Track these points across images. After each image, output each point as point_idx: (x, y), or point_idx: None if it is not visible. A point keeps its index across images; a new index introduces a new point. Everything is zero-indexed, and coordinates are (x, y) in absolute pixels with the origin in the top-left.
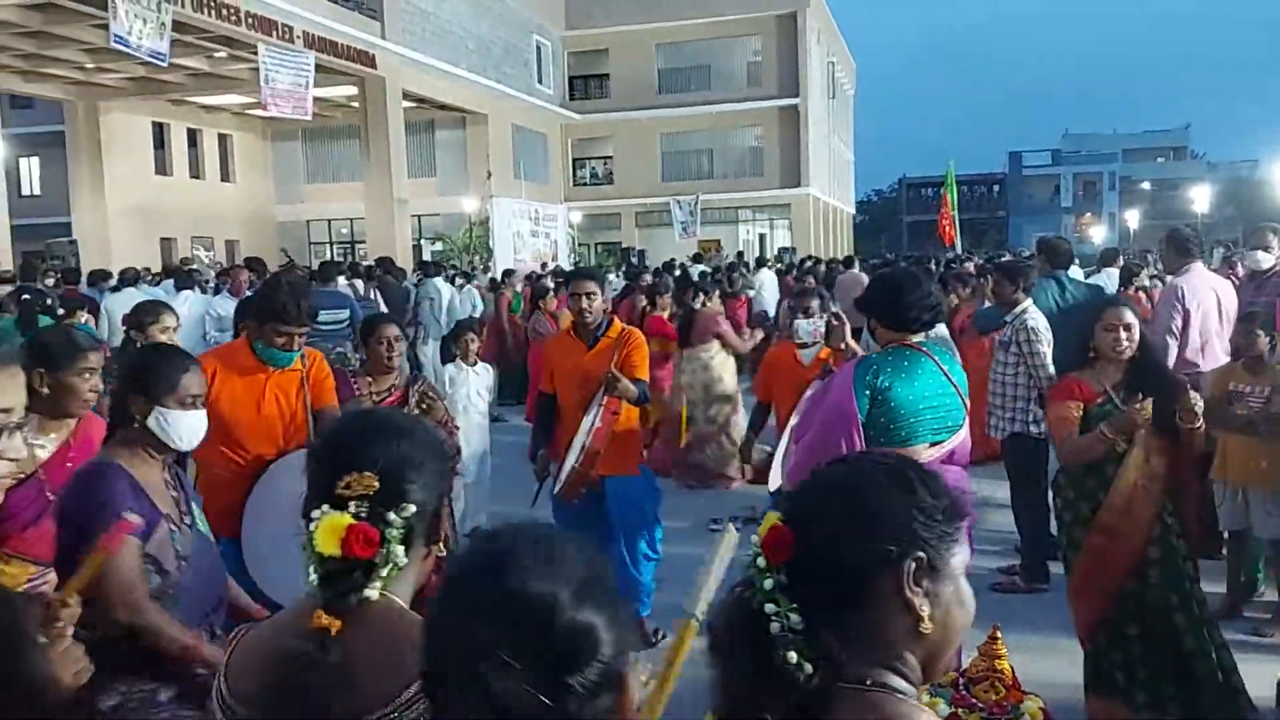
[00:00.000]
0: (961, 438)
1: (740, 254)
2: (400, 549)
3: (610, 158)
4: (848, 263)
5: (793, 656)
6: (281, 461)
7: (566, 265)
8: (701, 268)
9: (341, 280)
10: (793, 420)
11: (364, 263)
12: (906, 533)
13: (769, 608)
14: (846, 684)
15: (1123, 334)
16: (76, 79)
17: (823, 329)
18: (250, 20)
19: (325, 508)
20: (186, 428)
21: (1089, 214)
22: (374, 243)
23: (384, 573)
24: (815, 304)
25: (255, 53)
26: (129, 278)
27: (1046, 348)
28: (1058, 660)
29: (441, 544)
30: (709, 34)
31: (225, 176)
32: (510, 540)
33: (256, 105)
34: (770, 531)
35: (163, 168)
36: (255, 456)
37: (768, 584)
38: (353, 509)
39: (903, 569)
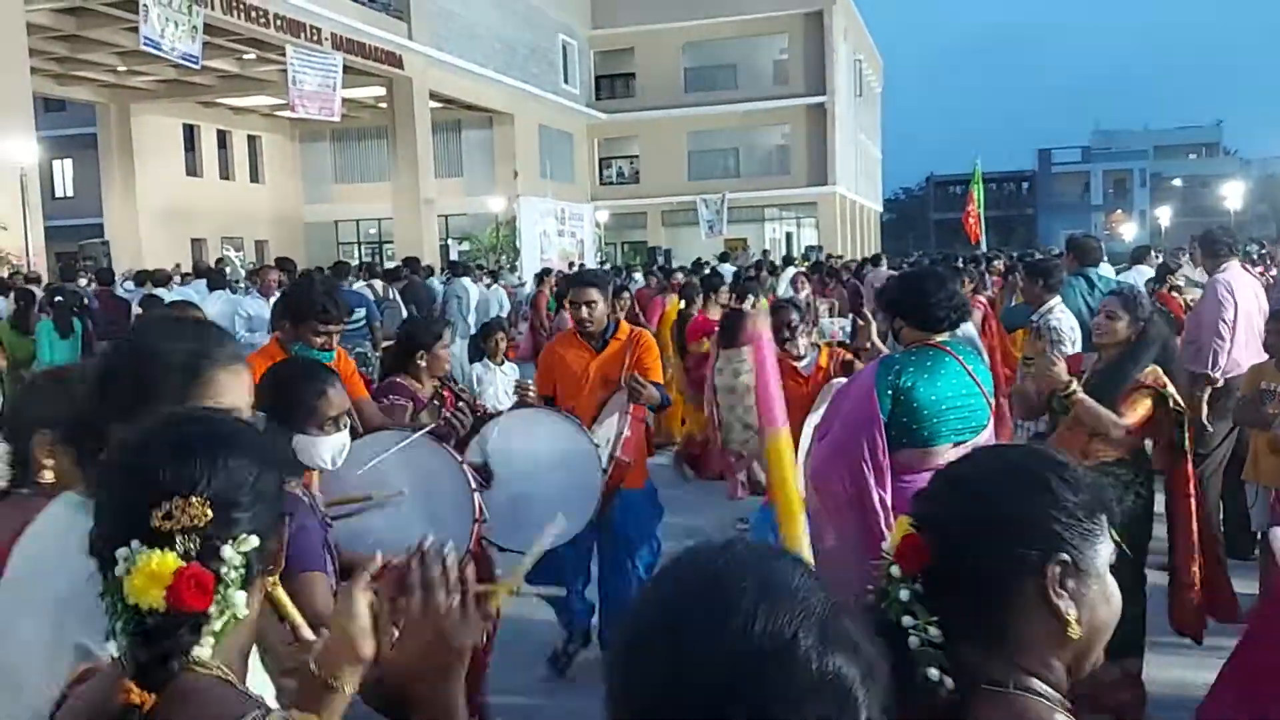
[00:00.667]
0: (986, 437)
1: (765, 253)
2: (240, 595)
3: (636, 157)
4: (876, 261)
5: (934, 673)
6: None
7: (592, 264)
8: (728, 266)
9: (360, 281)
10: (807, 428)
11: (389, 264)
12: (1048, 535)
13: (907, 620)
14: (987, 685)
15: (1103, 320)
16: (108, 82)
17: (848, 327)
18: (279, 22)
19: (136, 545)
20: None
21: (1119, 211)
22: (401, 243)
23: (218, 626)
24: (795, 317)
25: (284, 54)
26: (160, 279)
27: (1069, 347)
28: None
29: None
30: (735, 33)
31: (255, 177)
32: (723, 562)
33: (285, 107)
34: (904, 539)
35: (193, 169)
36: None
37: (904, 594)
38: (179, 546)
39: (1046, 573)
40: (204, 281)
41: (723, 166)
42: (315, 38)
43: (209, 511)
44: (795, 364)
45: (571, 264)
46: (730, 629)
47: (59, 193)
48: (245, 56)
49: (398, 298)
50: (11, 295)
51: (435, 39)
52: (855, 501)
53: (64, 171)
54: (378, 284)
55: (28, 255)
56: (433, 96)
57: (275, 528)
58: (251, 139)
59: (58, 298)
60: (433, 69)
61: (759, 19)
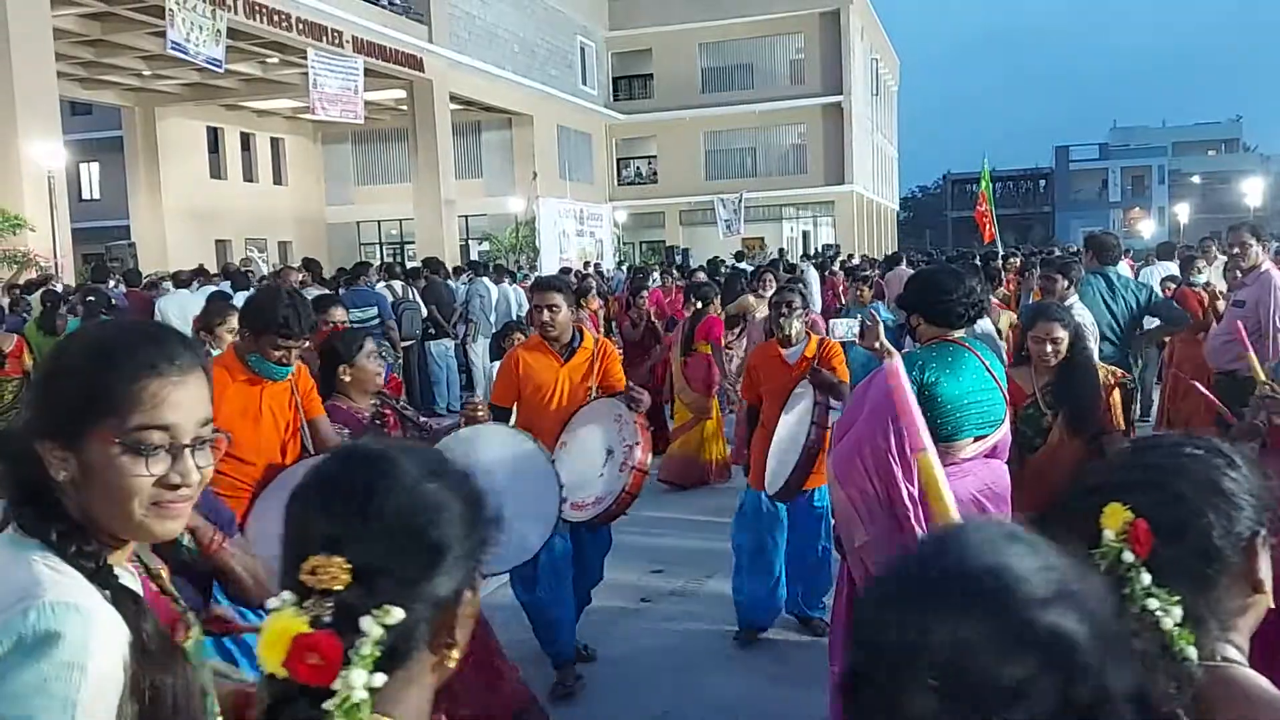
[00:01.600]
0: (1004, 432)
1: (782, 251)
2: (361, 676)
3: (654, 157)
4: (896, 259)
5: (1192, 652)
6: (285, 474)
7: (611, 264)
8: (744, 265)
9: (381, 282)
10: (784, 416)
11: (410, 264)
12: (1252, 508)
13: (1151, 604)
14: (1205, 662)
15: (1049, 346)
16: (134, 85)
17: (858, 328)
18: (301, 26)
19: (286, 596)
20: None
21: (1137, 208)
22: (422, 243)
23: (332, 706)
24: (797, 299)
25: (306, 58)
26: (184, 279)
27: (1093, 344)
28: None
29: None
30: (752, 33)
31: (278, 179)
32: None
33: (308, 109)
34: (1135, 526)
35: (217, 171)
36: (255, 471)
37: (1145, 579)
38: (312, 609)
39: (1255, 544)
40: (229, 282)
41: (740, 166)
42: (337, 41)
43: (347, 576)
44: (782, 350)
45: (588, 264)
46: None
47: (86, 195)
48: (268, 60)
49: (417, 298)
50: (38, 296)
51: (455, 41)
52: (884, 497)
53: (91, 174)
54: (397, 285)
55: (55, 257)
56: (453, 98)
57: (450, 595)
58: (275, 141)
59: (89, 298)
60: (453, 71)
61: (775, 19)
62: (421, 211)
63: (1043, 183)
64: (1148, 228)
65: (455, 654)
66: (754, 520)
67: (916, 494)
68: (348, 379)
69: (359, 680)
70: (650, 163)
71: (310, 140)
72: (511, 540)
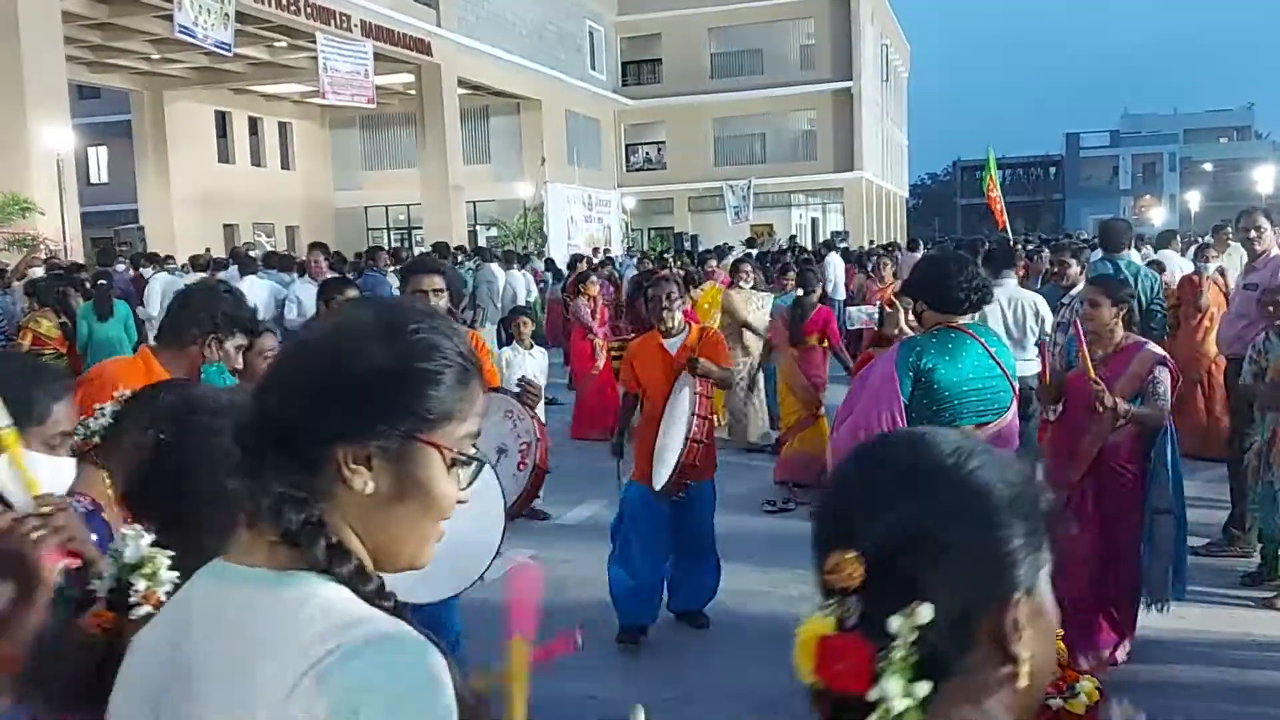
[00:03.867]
0: (1008, 420)
1: (793, 238)
2: (897, 683)
3: (663, 143)
4: (911, 245)
5: None
6: None
7: (619, 250)
8: (752, 251)
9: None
10: (667, 415)
11: (418, 249)
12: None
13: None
14: None
15: (1089, 307)
16: (142, 69)
17: (876, 314)
18: (309, 10)
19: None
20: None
21: (1148, 195)
22: (430, 229)
23: (878, 718)
24: (674, 289)
25: (314, 42)
26: (201, 265)
27: None
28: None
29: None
30: (762, 18)
31: (285, 164)
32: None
33: (316, 94)
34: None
35: (225, 156)
36: None
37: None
38: (835, 609)
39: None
40: (236, 268)
41: (749, 152)
42: (345, 25)
43: (860, 570)
44: (663, 340)
45: (597, 250)
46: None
47: (94, 179)
48: (276, 44)
49: None
50: (85, 281)
51: (464, 26)
52: None
53: (99, 158)
54: None
55: (64, 240)
56: (461, 83)
57: (988, 598)
58: (283, 126)
59: (101, 281)
60: (461, 56)
61: (785, 4)
62: (429, 197)
63: (1053, 170)
64: (1158, 215)
65: (1023, 670)
66: (637, 515)
67: None
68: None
69: (895, 688)
70: (659, 149)
71: (318, 125)
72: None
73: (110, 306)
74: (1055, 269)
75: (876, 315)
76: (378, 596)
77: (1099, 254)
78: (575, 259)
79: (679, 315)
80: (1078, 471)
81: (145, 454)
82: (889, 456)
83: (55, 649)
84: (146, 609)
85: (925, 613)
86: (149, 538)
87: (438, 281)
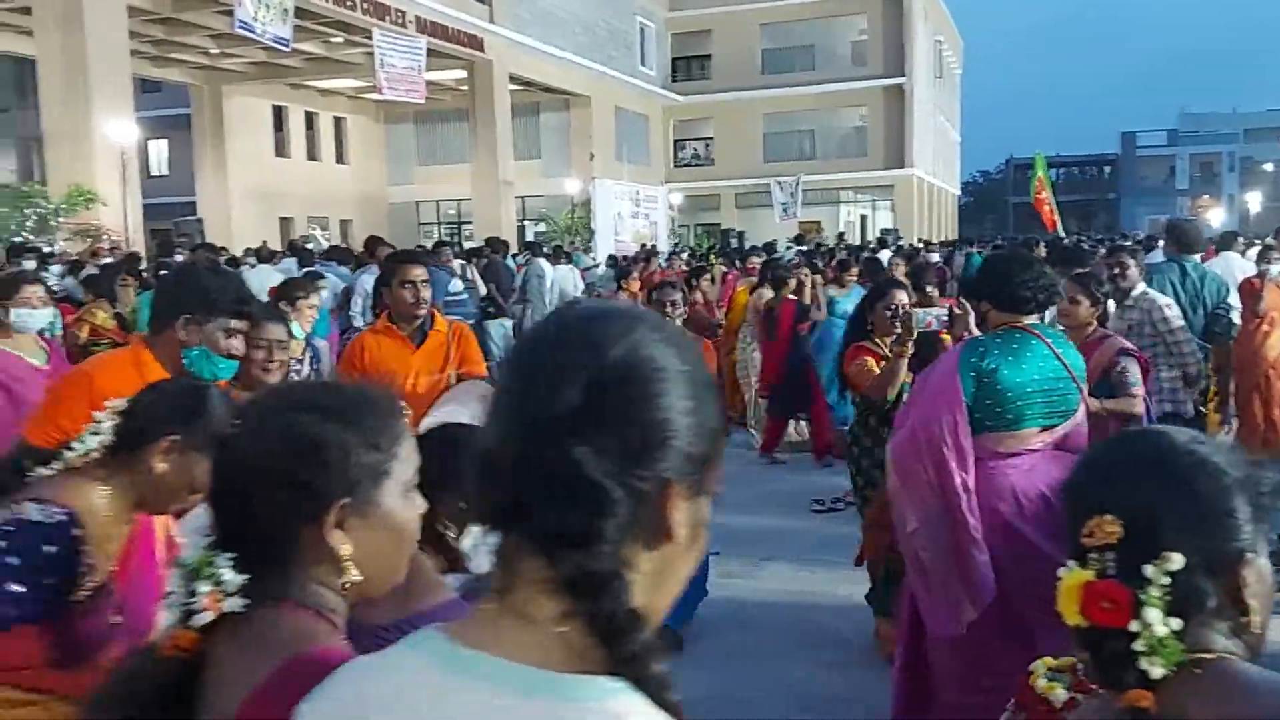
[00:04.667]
0: (1076, 422)
1: (842, 235)
2: (1157, 614)
3: (711, 139)
4: (965, 244)
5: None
6: None
7: (665, 246)
8: (800, 248)
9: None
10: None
11: (468, 244)
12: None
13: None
14: None
15: (1067, 303)
16: (202, 64)
17: (945, 316)
18: (365, 5)
19: (1071, 564)
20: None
21: (1206, 196)
22: (480, 223)
23: (1143, 644)
24: (677, 297)
25: (370, 38)
26: (264, 256)
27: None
28: None
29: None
30: (814, 13)
31: (340, 158)
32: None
33: (371, 89)
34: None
35: (281, 149)
36: None
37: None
38: (1094, 564)
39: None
40: (295, 259)
41: (798, 148)
42: (400, 21)
43: (1119, 530)
44: None
45: (644, 246)
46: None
47: (154, 171)
48: (333, 39)
49: (477, 277)
50: (141, 272)
51: (516, 22)
52: (936, 484)
53: (159, 151)
54: (457, 264)
55: (126, 232)
56: (512, 79)
57: (1222, 557)
58: (338, 120)
59: (162, 271)
60: (513, 52)
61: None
62: (479, 192)
63: (1108, 169)
64: (1216, 216)
65: (1254, 619)
66: None
67: (970, 482)
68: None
69: (1155, 618)
70: (707, 145)
71: (373, 120)
72: None
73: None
74: (1115, 269)
75: (947, 317)
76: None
77: (1159, 254)
78: (619, 258)
79: (678, 323)
80: None
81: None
82: (1139, 443)
83: (132, 671)
84: (208, 616)
85: (1176, 559)
86: (208, 539)
87: (423, 272)
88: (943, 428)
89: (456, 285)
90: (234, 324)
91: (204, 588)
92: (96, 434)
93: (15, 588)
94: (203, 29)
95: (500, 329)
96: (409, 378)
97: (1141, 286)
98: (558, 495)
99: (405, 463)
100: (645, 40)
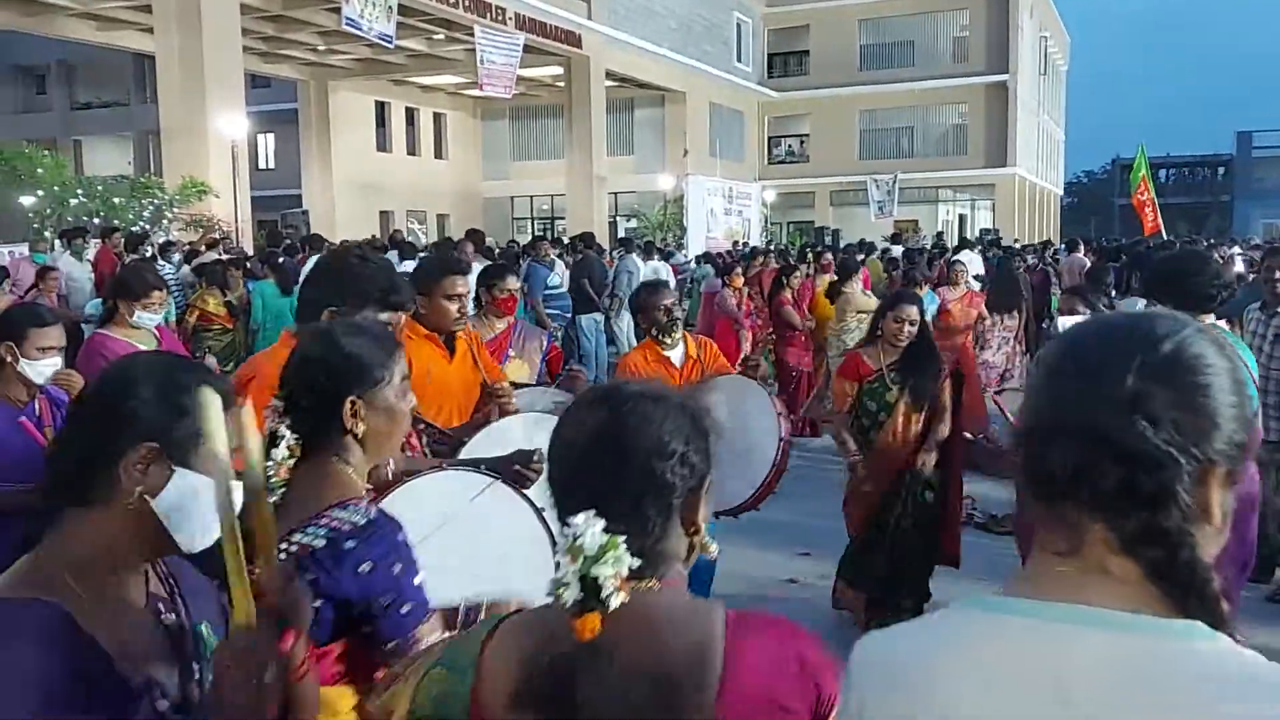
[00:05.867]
0: (1256, 429)
1: (940, 235)
2: None
3: (807, 136)
4: (1071, 245)
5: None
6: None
7: (758, 244)
8: (898, 247)
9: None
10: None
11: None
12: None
13: None
14: None
15: (908, 326)
16: (309, 60)
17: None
18: (467, 3)
19: None
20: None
21: None
22: (573, 219)
23: None
24: (672, 299)
25: (470, 34)
26: (378, 249)
27: None
28: None
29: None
30: (914, 8)
31: (439, 153)
32: None
33: (469, 85)
34: None
35: (383, 144)
36: None
37: None
38: None
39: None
40: (396, 252)
41: (895, 146)
42: (500, 18)
43: None
44: (665, 353)
45: (736, 243)
46: None
47: (262, 165)
48: (434, 36)
49: (566, 272)
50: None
51: (613, 18)
52: None
53: (267, 145)
54: (555, 258)
55: (236, 223)
56: (608, 75)
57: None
58: (437, 116)
59: (280, 259)
60: (610, 48)
61: None
62: (573, 187)
63: (1221, 170)
64: None
65: (1216, 523)
66: None
67: None
68: (124, 311)
69: None
70: (802, 141)
71: (470, 115)
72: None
73: (292, 282)
74: (1266, 275)
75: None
76: None
77: None
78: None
79: (677, 334)
80: None
81: None
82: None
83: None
84: (621, 597)
85: None
86: (600, 522)
87: (467, 285)
88: None
89: (555, 279)
90: (384, 316)
91: (608, 570)
92: (275, 445)
93: (418, 578)
94: (311, 26)
95: (592, 323)
96: (449, 386)
97: None
98: (1126, 462)
99: (398, 370)
100: (741, 36)
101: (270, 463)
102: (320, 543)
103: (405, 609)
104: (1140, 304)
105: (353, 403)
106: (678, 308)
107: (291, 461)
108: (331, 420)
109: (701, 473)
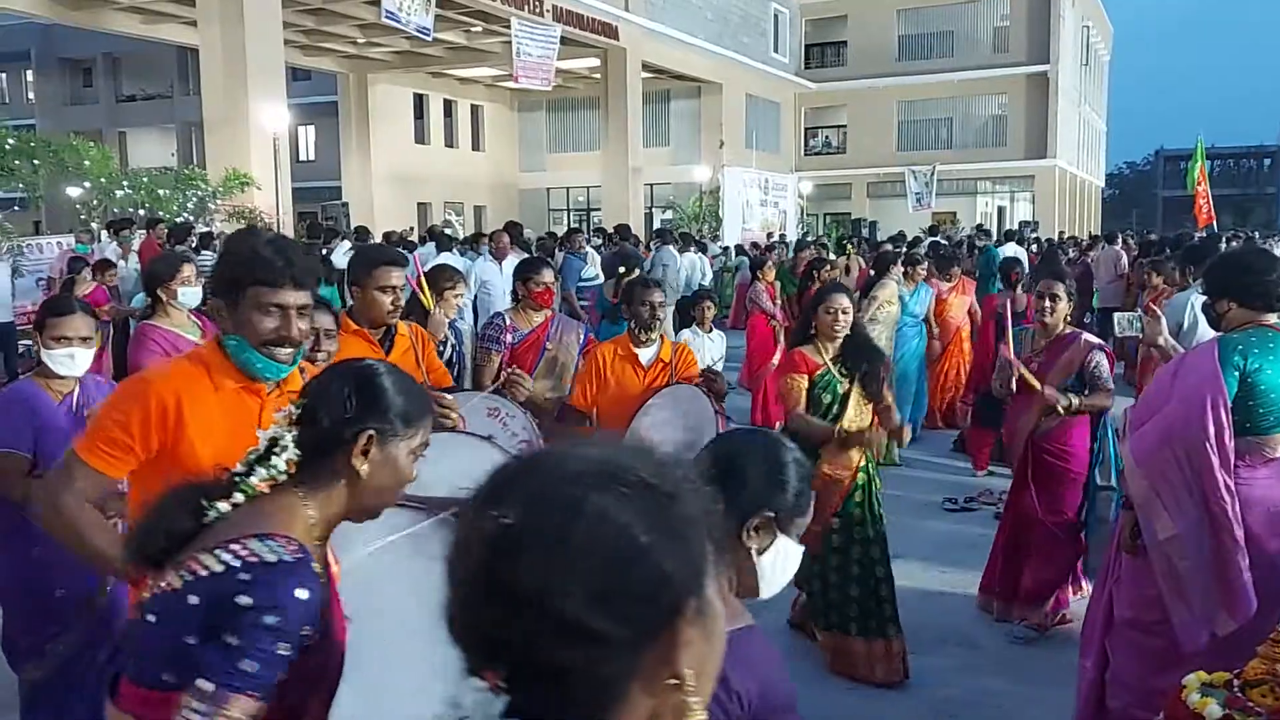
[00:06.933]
0: None
1: (979, 226)
2: None
3: (844, 127)
4: (1109, 238)
5: None
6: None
7: (794, 235)
8: (935, 240)
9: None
10: (637, 420)
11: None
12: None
13: None
14: None
15: (841, 316)
16: (349, 53)
17: (1139, 323)
18: None
19: None
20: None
21: None
22: (609, 210)
23: None
24: (658, 298)
25: (508, 26)
26: (394, 242)
27: None
28: None
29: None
30: None
31: (476, 145)
32: None
33: (506, 77)
34: None
35: (421, 137)
36: None
37: None
38: None
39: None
40: (433, 244)
41: (934, 137)
42: (537, 10)
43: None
44: (637, 352)
45: (771, 234)
46: None
47: (302, 157)
48: (472, 29)
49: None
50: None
51: (650, 9)
52: (1199, 489)
53: (307, 137)
54: (590, 250)
55: (278, 214)
56: (645, 67)
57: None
58: (474, 108)
59: (324, 250)
60: (646, 39)
61: None
62: (609, 179)
63: (1267, 161)
64: None
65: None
66: None
67: (1234, 485)
68: (165, 298)
69: None
70: (839, 132)
71: (507, 108)
72: None
73: (331, 273)
74: None
75: (1139, 323)
76: None
77: None
78: (749, 246)
79: (655, 333)
80: (1016, 451)
81: None
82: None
83: None
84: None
85: None
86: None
87: (401, 276)
88: (1208, 427)
89: (590, 271)
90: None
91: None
92: (276, 452)
93: (283, 650)
94: (351, 19)
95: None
96: None
97: None
98: None
99: (420, 435)
100: (779, 27)
101: (266, 471)
102: (218, 568)
103: (243, 664)
104: (1197, 299)
105: (370, 437)
106: (662, 309)
107: (284, 478)
108: (336, 450)
109: (671, 601)
